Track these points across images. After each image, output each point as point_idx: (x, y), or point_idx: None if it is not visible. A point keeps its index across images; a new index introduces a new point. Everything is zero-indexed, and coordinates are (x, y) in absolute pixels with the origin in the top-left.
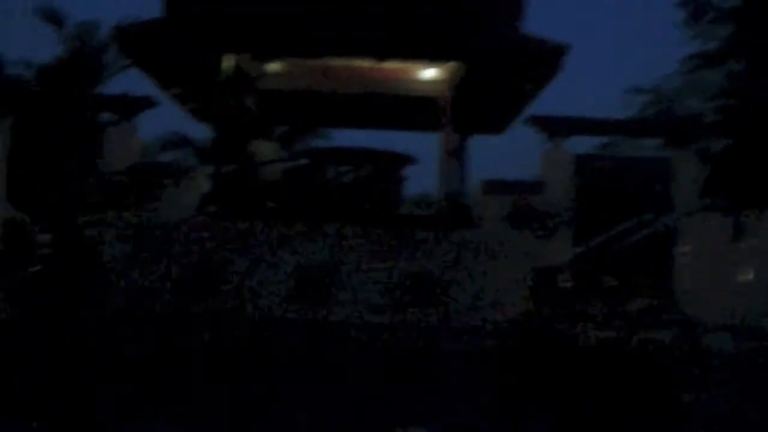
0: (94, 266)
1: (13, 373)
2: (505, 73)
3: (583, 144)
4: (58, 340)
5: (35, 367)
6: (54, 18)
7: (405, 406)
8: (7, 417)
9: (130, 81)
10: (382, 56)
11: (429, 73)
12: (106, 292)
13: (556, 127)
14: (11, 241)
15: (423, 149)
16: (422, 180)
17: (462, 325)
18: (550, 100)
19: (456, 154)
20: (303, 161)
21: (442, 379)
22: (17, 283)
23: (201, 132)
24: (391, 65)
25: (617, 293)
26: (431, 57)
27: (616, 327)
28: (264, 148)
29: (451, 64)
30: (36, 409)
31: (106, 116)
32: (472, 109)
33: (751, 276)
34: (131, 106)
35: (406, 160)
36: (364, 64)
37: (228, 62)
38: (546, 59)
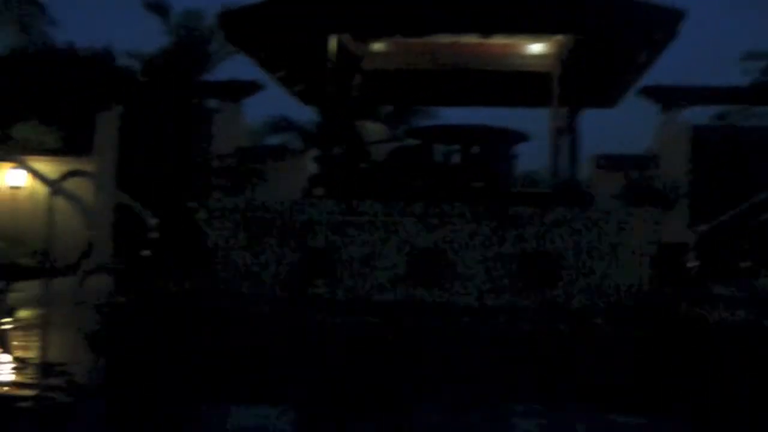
0: (202, 250)
1: (128, 358)
2: (617, 43)
3: (700, 114)
4: (171, 324)
5: (148, 353)
6: (160, 8)
7: (533, 392)
8: (126, 404)
9: (237, 66)
10: (489, 31)
11: (537, 47)
12: (215, 277)
13: (671, 98)
14: (123, 226)
15: (532, 126)
16: (532, 158)
17: (582, 306)
18: (664, 70)
19: (566, 130)
20: (411, 140)
21: (567, 363)
22: (129, 267)
23: (307, 115)
24: (498, 40)
25: (748, 272)
26: (539, 30)
27: (748, 308)
28: (371, 129)
29: (560, 37)
30: (152, 394)
31: (213, 102)
32: (583, 82)
33: None
34: (238, 91)
35: (518, 136)
36: (470, 40)
37: (333, 43)
38: (662, 26)
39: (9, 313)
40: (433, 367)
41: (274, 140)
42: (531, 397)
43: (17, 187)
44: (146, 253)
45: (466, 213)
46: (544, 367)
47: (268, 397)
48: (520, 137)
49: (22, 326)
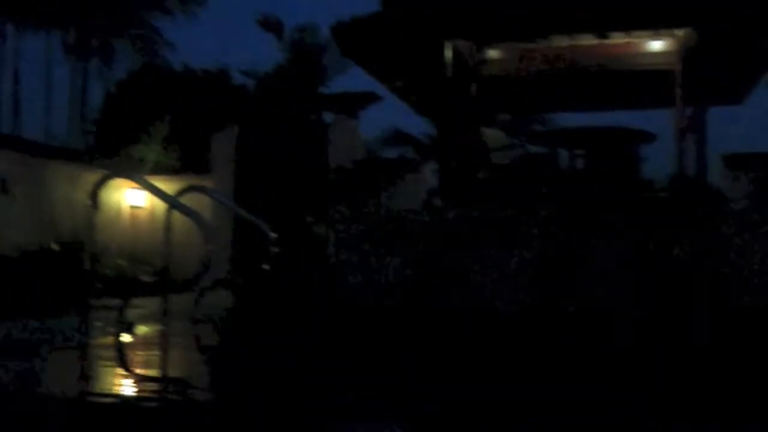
0: (323, 263)
1: (248, 373)
2: (743, 34)
3: None
4: (293, 338)
5: (269, 367)
6: (273, 25)
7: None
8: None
9: (352, 79)
10: (607, 31)
11: (657, 44)
12: (336, 289)
13: None
14: (242, 241)
15: (654, 127)
16: (656, 159)
17: (731, 315)
18: None
19: (692, 129)
20: (533, 147)
21: (726, 377)
22: (249, 282)
23: (419, 128)
24: (616, 40)
25: None
26: (659, 25)
27: None
28: (491, 136)
29: (681, 31)
30: (281, 410)
31: (329, 116)
32: (706, 78)
33: None
34: (354, 103)
35: (644, 137)
36: (587, 41)
37: (448, 51)
38: None
39: (128, 328)
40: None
41: (388, 154)
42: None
43: (138, 207)
44: (266, 267)
45: (596, 219)
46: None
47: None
48: (647, 137)
49: (141, 342)
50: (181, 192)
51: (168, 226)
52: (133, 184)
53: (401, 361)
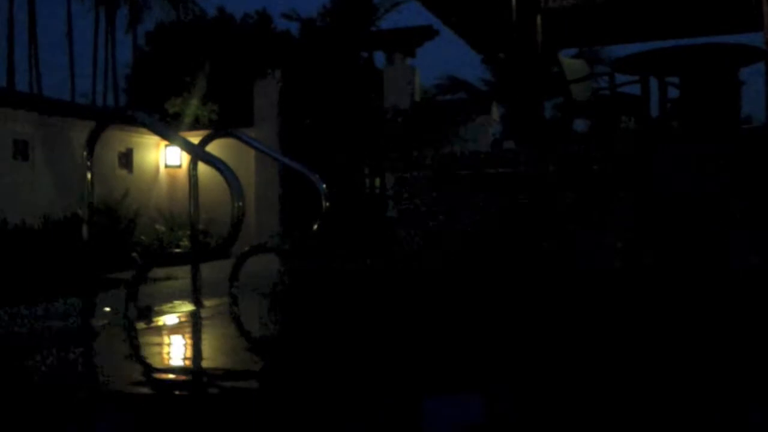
0: (382, 219)
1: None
2: None
3: None
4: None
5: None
6: None
7: None
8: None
9: (403, 16)
10: None
11: None
12: (399, 250)
13: None
14: (291, 198)
15: None
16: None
17: None
18: None
19: None
20: (616, 76)
21: None
22: (298, 243)
23: (474, 73)
24: None
25: None
26: None
27: None
28: (570, 66)
29: None
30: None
31: (383, 56)
32: None
33: None
34: (410, 40)
35: (751, 54)
36: None
37: None
38: None
39: (146, 313)
40: None
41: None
42: None
43: (175, 167)
44: (316, 226)
45: (697, 155)
46: None
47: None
48: (755, 55)
49: (161, 326)
50: (206, 139)
51: (194, 183)
52: (168, 142)
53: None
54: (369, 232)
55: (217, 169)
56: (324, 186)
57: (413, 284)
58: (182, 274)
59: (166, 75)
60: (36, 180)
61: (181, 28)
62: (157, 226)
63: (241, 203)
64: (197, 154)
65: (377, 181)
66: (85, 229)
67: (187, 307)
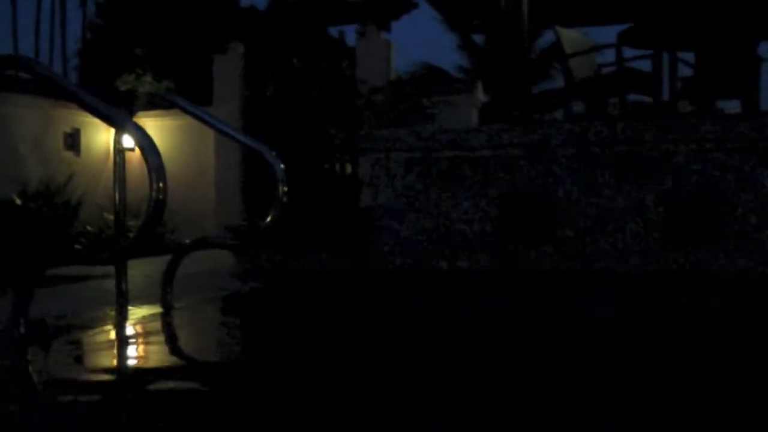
0: (355, 209)
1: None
2: None
3: None
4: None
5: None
6: None
7: None
8: None
9: None
10: None
11: None
12: (377, 247)
13: None
14: (251, 175)
15: None
16: None
17: None
18: None
19: None
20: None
21: None
22: (256, 237)
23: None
24: None
25: None
26: None
27: None
28: (569, 38)
29: None
30: None
31: (354, 29)
32: None
33: None
34: (385, 12)
35: None
36: None
37: None
38: None
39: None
40: None
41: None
42: None
43: (129, 149)
44: (270, 217)
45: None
46: None
47: None
48: None
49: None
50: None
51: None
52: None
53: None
54: (339, 223)
55: (136, 140)
56: (282, 167)
57: (392, 292)
58: (107, 272)
59: (118, 50)
60: None
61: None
62: (106, 215)
63: (161, 184)
64: (115, 122)
65: (348, 167)
66: None
67: (94, 322)
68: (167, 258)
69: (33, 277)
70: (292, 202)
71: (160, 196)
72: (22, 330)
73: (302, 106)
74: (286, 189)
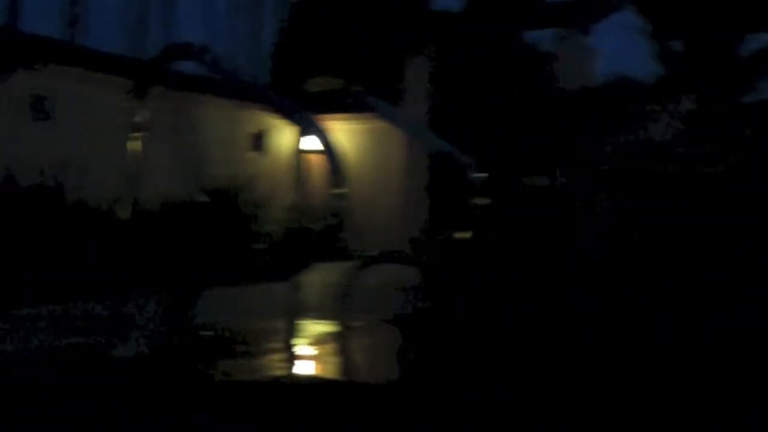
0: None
1: None
2: None
3: None
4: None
5: None
6: None
7: None
8: None
9: None
10: None
11: None
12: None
13: None
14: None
15: None
16: None
17: None
18: None
19: None
20: None
21: None
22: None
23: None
24: None
25: None
26: None
27: None
28: None
29: None
30: None
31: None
32: None
33: None
34: (587, 14)
35: None
36: None
37: None
38: None
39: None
40: None
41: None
42: None
43: (314, 152)
44: (462, 233)
45: None
46: None
47: None
48: None
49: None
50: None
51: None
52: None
53: None
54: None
55: (321, 142)
56: (477, 176)
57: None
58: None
59: (308, 53)
60: (158, 160)
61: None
62: (288, 216)
63: (343, 190)
64: (298, 122)
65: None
66: None
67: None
68: (346, 265)
69: (205, 281)
70: (487, 212)
71: (342, 203)
72: (185, 339)
73: (497, 114)
74: (481, 201)
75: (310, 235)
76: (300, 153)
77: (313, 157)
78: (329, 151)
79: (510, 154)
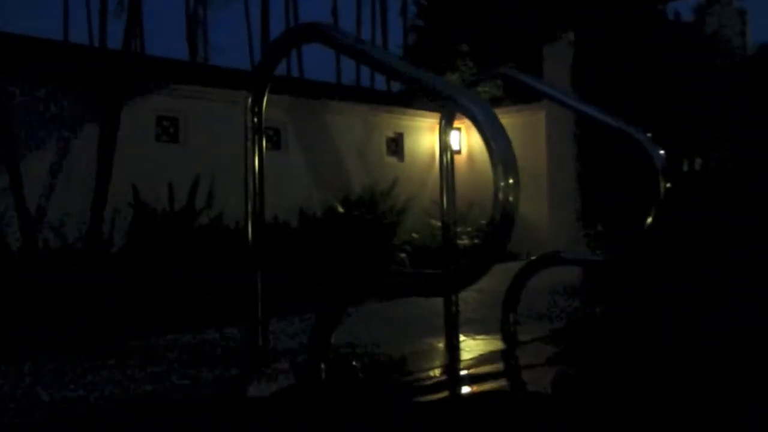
0: None
1: None
2: None
3: None
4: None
5: None
6: None
7: None
8: None
9: None
10: None
11: None
12: None
13: None
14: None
15: None
16: None
17: None
18: None
19: None
20: None
21: None
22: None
23: None
24: None
25: None
26: None
27: None
28: None
29: None
30: None
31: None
32: None
33: None
34: None
35: None
36: None
37: None
38: None
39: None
40: None
41: None
42: None
43: (454, 152)
44: (650, 221)
45: None
46: None
47: None
48: None
49: None
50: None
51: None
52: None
53: None
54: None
55: (474, 120)
56: (661, 153)
57: None
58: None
59: (441, 49)
60: (290, 171)
61: None
62: (432, 222)
63: (511, 180)
64: (450, 96)
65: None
66: None
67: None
68: (502, 267)
69: (354, 297)
70: (670, 199)
71: (510, 198)
72: (324, 365)
73: (641, 96)
74: (668, 185)
75: (460, 239)
76: (441, 152)
77: (457, 157)
78: (492, 129)
79: (670, 139)
